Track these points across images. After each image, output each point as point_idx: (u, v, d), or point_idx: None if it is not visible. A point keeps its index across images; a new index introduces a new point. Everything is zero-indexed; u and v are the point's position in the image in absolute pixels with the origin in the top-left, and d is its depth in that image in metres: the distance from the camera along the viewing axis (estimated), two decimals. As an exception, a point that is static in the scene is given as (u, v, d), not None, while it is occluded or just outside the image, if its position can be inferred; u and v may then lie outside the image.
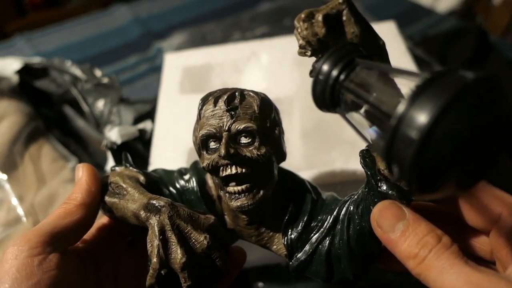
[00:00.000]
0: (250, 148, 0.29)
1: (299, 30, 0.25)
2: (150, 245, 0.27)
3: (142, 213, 0.28)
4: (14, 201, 0.56)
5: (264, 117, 0.30)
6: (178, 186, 0.34)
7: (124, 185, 0.31)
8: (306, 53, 0.26)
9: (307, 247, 0.31)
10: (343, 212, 0.31)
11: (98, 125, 0.62)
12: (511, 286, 0.20)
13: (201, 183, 0.33)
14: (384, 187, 0.26)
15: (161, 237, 0.27)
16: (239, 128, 0.29)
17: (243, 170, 0.29)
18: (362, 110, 0.22)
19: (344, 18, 0.24)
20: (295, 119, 0.56)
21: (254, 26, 0.97)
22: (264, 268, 0.52)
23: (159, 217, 0.28)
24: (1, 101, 0.65)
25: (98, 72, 0.63)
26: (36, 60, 0.66)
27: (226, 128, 0.29)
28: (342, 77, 0.22)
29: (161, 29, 1.01)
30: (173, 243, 0.27)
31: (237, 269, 0.33)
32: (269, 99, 0.31)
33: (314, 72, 0.24)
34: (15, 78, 0.66)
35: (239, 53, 0.64)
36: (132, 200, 0.30)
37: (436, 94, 0.16)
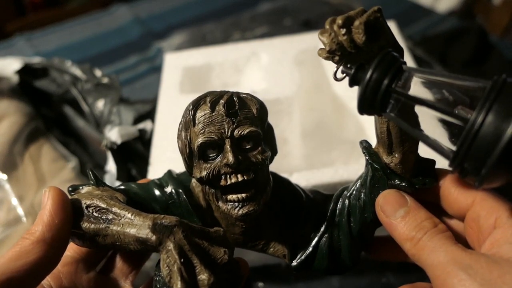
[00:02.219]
0: (253, 153, 0.28)
1: (333, 35, 0.25)
2: (167, 270, 0.24)
3: (153, 237, 0.25)
4: (14, 201, 0.56)
5: (263, 120, 0.30)
6: (160, 200, 0.31)
7: (109, 207, 0.27)
8: (334, 58, 0.26)
9: (307, 245, 0.31)
10: (339, 206, 0.32)
11: (98, 125, 0.62)
12: (489, 261, 0.22)
13: (188, 194, 0.31)
14: (395, 180, 0.28)
15: (182, 259, 0.24)
16: (243, 133, 0.27)
17: (248, 176, 0.28)
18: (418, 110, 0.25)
19: (379, 25, 0.25)
20: (295, 119, 0.56)
21: (254, 26, 0.97)
22: (264, 268, 0.52)
23: (174, 238, 0.25)
24: (1, 101, 0.65)
25: (98, 72, 0.63)
26: (36, 60, 0.66)
27: (229, 134, 0.27)
28: (394, 84, 0.24)
29: (161, 29, 1.01)
30: (197, 264, 0.25)
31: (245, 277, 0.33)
32: (261, 100, 0.31)
33: (362, 80, 0.25)
34: (15, 78, 0.66)
35: (239, 53, 0.64)
36: (129, 224, 0.26)
37: (509, 103, 0.20)
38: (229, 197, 0.28)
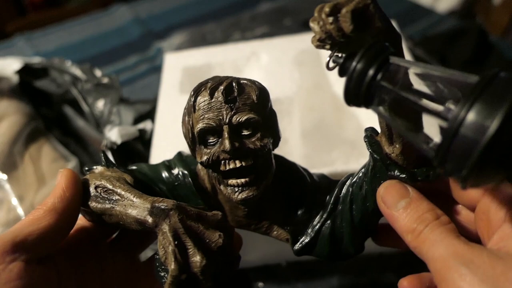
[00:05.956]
0: (252, 140, 0.28)
1: (322, 23, 0.24)
2: (163, 251, 0.26)
3: (150, 219, 0.26)
4: (14, 201, 0.56)
5: (263, 106, 0.29)
6: (167, 181, 0.32)
7: (115, 189, 0.29)
8: (325, 47, 0.25)
9: (309, 230, 0.32)
10: (343, 193, 0.32)
11: (98, 125, 0.62)
12: (492, 256, 0.21)
13: (193, 176, 0.32)
14: (395, 171, 0.28)
15: (176, 242, 0.26)
16: (240, 120, 0.28)
17: (246, 162, 0.28)
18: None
19: (369, 13, 0.24)
20: (295, 119, 0.56)
21: (254, 26, 0.97)
22: (264, 268, 0.52)
23: (169, 221, 0.26)
24: (1, 101, 0.65)
25: (98, 72, 0.63)
26: (36, 60, 0.66)
27: (227, 121, 0.28)
28: (379, 75, 0.23)
29: (161, 29, 1.01)
30: (190, 247, 0.26)
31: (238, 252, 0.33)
32: (264, 86, 0.31)
33: (348, 70, 0.24)
34: (15, 78, 0.66)
35: (239, 53, 0.64)
36: (131, 206, 0.28)
37: (494, 100, 0.18)
38: (230, 181, 0.29)
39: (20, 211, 0.55)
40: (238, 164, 0.28)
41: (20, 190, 0.57)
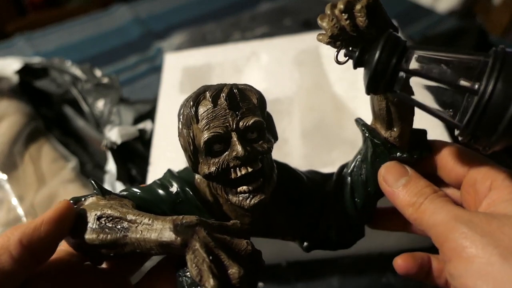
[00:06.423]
0: (260, 143, 0.28)
1: (335, 20, 0.25)
2: (197, 270, 0.24)
3: (178, 239, 0.25)
4: (14, 201, 0.56)
5: (263, 109, 0.30)
6: (166, 201, 0.31)
7: (123, 216, 0.27)
8: (336, 43, 0.27)
9: (313, 226, 0.32)
10: (341, 183, 0.33)
11: (98, 125, 0.62)
12: (487, 215, 0.24)
13: (194, 191, 0.31)
14: (397, 153, 0.30)
15: (210, 257, 0.24)
16: (247, 124, 0.28)
17: (256, 166, 0.28)
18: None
19: (378, 8, 0.26)
20: (295, 119, 0.56)
21: (254, 26, 0.97)
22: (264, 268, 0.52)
23: (198, 237, 0.25)
24: (1, 101, 0.66)
25: (98, 72, 0.63)
26: (36, 60, 0.66)
27: (234, 127, 0.27)
28: (403, 62, 0.25)
29: (161, 29, 1.01)
30: (224, 259, 0.25)
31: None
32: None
33: (368, 61, 0.25)
34: (15, 78, 0.66)
35: (239, 53, 0.64)
36: (149, 230, 0.26)
37: None
38: (239, 189, 0.28)
39: (20, 211, 0.55)
40: (250, 169, 0.27)
41: (20, 190, 0.57)
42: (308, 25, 0.94)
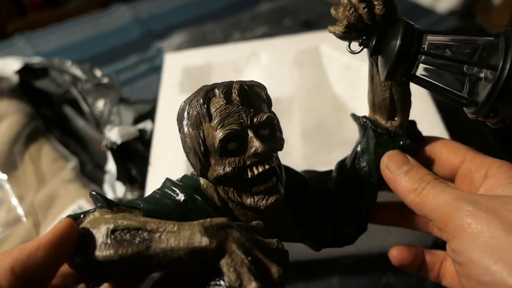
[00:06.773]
0: (273, 139, 0.28)
1: (352, 9, 0.26)
2: (235, 274, 0.22)
3: (213, 243, 0.23)
4: (14, 201, 0.56)
5: (270, 105, 0.30)
6: (175, 209, 0.28)
7: (143, 226, 0.24)
8: (352, 34, 0.27)
9: (320, 224, 0.33)
10: (342, 180, 0.33)
11: (98, 125, 0.62)
12: (489, 195, 0.25)
13: (202, 197, 0.29)
14: (400, 141, 0.31)
15: (249, 258, 0.23)
16: (261, 120, 0.27)
17: (272, 163, 0.27)
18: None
19: None
20: (295, 119, 0.56)
21: (254, 26, 0.97)
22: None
23: (232, 238, 0.23)
24: (1, 101, 0.66)
25: (98, 72, 0.63)
26: (36, 60, 0.66)
27: (249, 123, 0.26)
28: (422, 46, 0.26)
29: (161, 29, 1.01)
30: (262, 259, 0.24)
31: None
32: None
33: (390, 49, 0.26)
34: (15, 78, 0.66)
35: (239, 53, 0.64)
36: (176, 237, 0.23)
37: None
38: (255, 189, 0.27)
39: (20, 211, 0.55)
40: (267, 166, 0.27)
41: (20, 190, 0.57)
42: (308, 25, 0.94)
